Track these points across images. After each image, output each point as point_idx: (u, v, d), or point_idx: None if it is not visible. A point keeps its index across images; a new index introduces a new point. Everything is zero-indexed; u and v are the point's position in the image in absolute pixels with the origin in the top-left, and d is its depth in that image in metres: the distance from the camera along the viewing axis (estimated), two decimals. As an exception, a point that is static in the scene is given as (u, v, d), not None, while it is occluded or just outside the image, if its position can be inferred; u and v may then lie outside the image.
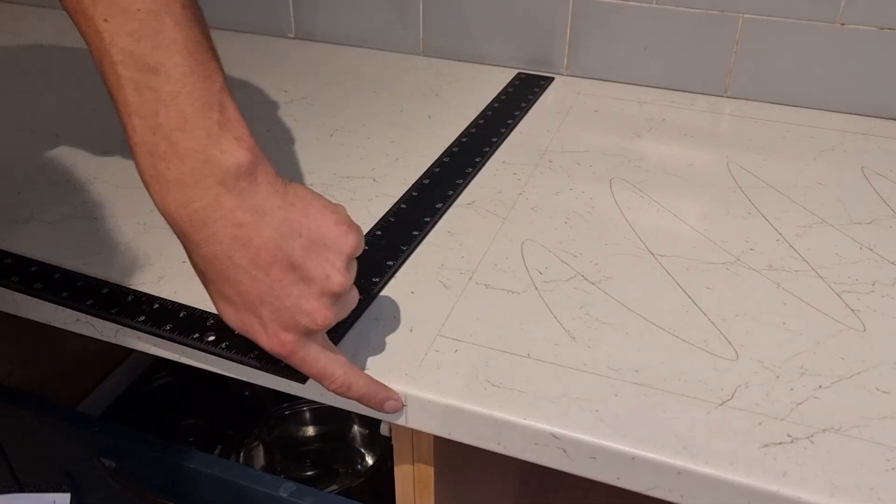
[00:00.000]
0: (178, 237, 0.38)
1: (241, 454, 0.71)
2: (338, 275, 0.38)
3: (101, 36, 0.35)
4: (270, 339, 0.39)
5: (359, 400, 0.42)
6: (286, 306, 0.38)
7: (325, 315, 0.39)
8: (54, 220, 0.57)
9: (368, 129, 0.70)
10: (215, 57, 0.37)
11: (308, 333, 0.39)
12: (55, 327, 0.51)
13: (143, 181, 0.37)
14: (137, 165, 0.36)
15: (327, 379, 0.41)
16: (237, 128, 0.37)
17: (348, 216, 0.40)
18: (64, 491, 0.66)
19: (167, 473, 0.58)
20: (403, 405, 0.43)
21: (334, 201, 0.55)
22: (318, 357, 0.40)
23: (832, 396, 0.42)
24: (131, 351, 0.78)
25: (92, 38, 0.35)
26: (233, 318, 0.40)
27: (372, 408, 0.43)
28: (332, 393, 0.42)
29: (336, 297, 0.39)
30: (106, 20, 0.35)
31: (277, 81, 0.79)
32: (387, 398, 0.43)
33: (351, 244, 0.39)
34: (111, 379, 0.76)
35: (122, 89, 0.35)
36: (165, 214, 0.37)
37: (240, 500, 0.56)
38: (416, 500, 0.52)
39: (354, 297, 0.42)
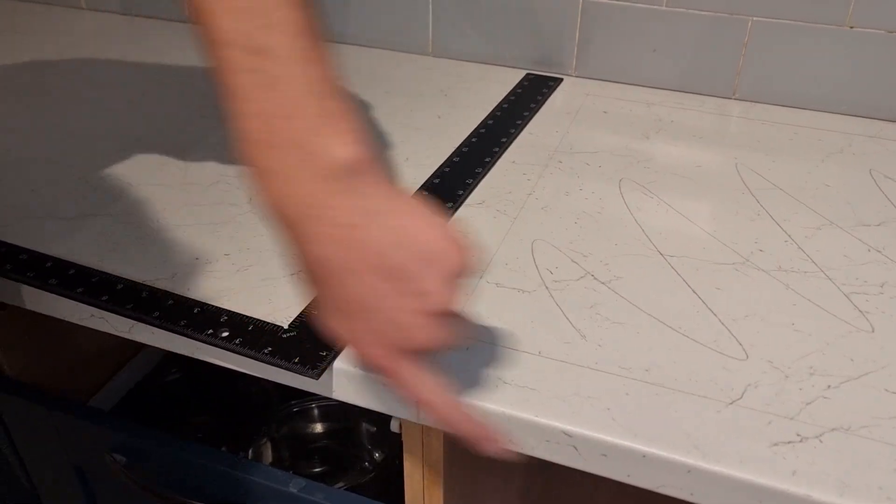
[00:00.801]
0: (280, 228, 0.36)
1: (250, 451, 0.71)
2: (440, 293, 0.35)
3: (208, 14, 0.33)
4: (363, 350, 0.37)
5: (455, 433, 0.39)
6: (380, 319, 0.36)
7: (421, 333, 0.36)
8: (69, 217, 0.57)
9: (378, 129, 0.70)
10: (324, 41, 0.34)
11: (402, 351, 0.37)
12: (67, 324, 0.52)
13: (246, 170, 0.35)
14: (241, 153, 0.34)
15: (422, 405, 0.38)
16: (345, 120, 0.34)
17: (458, 233, 0.36)
18: (74, 486, 0.67)
19: (177, 469, 0.58)
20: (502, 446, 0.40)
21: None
22: (411, 378, 0.37)
23: (841, 397, 0.42)
24: (141, 347, 0.78)
25: (199, 16, 0.33)
26: (328, 322, 0.37)
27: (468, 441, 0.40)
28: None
29: (435, 316, 0.36)
30: None
31: (288, 81, 0.79)
32: (484, 437, 0.39)
33: (458, 262, 0.36)
34: (121, 375, 0.76)
35: (226, 71, 0.33)
36: (268, 206, 0.35)
37: (250, 495, 0.56)
38: (425, 497, 0.53)
39: (454, 325, 0.38)
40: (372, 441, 0.74)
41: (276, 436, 0.72)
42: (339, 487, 0.58)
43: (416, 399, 0.38)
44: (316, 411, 0.73)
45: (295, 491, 0.55)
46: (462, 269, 0.36)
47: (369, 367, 0.37)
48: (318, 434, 0.74)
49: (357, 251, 0.34)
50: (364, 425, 0.73)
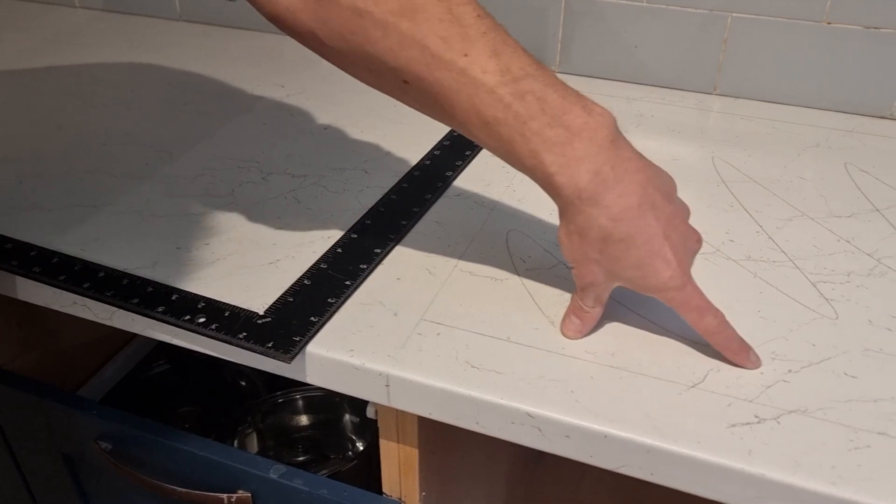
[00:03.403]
0: (575, 212, 0.41)
1: (235, 441, 0.72)
2: (684, 204, 0.44)
3: (469, 72, 0.38)
4: (675, 270, 0.41)
5: (722, 343, 0.44)
6: (680, 233, 0.42)
7: (695, 236, 0.43)
8: (54, 208, 0.58)
9: (362, 123, 0.71)
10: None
11: (689, 263, 0.43)
12: (56, 315, 0.53)
13: (549, 174, 0.40)
14: (542, 164, 0.40)
15: (711, 312, 0.43)
16: (581, 92, 0.41)
17: None
18: (62, 474, 0.68)
19: (162, 455, 0.59)
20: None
21: (327, 191, 0.57)
22: (700, 289, 0.43)
23: (801, 380, 0.43)
24: (131, 338, 0.79)
25: (455, 82, 0.39)
26: (637, 270, 0.42)
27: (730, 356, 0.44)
28: (704, 329, 0.43)
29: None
30: (466, 55, 0.38)
31: (275, 77, 0.81)
32: (745, 350, 0.44)
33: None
34: (110, 366, 0.77)
35: (508, 107, 0.39)
36: (577, 192, 0.40)
37: (232, 481, 0.57)
38: (401, 482, 0.54)
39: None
40: (355, 431, 0.75)
41: (261, 426, 0.73)
42: (321, 474, 0.59)
43: (707, 306, 0.43)
44: (300, 402, 0.74)
45: (275, 477, 0.56)
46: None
47: (677, 285, 0.42)
48: (303, 424, 0.75)
49: (652, 186, 0.41)
50: (347, 416, 0.74)
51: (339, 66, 0.43)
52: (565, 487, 0.93)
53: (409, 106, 0.43)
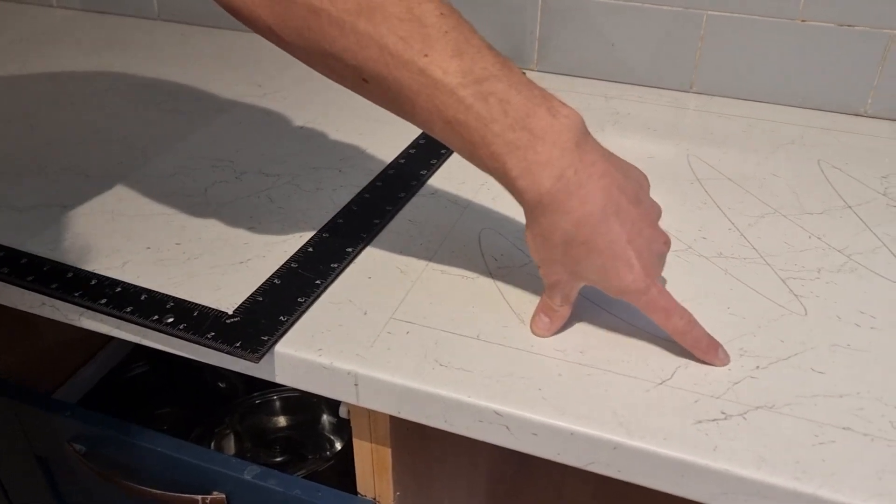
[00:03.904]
0: (538, 215, 0.41)
1: (212, 443, 0.72)
2: (655, 204, 0.44)
3: (429, 73, 0.38)
4: (638, 274, 0.41)
5: (690, 343, 0.44)
6: (645, 237, 0.41)
7: (662, 239, 0.43)
8: (24, 208, 0.58)
9: (339, 122, 0.71)
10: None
11: (661, 262, 0.43)
12: (32, 317, 0.53)
13: (511, 178, 0.40)
14: (504, 167, 0.40)
15: (677, 313, 0.43)
16: (549, 92, 0.40)
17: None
18: (37, 476, 0.67)
19: (136, 457, 0.59)
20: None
21: (301, 190, 0.57)
22: (666, 291, 0.43)
23: (768, 376, 0.43)
24: (109, 340, 0.79)
25: (415, 83, 0.38)
26: (600, 273, 0.42)
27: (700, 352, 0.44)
28: (672, 329, 0.43)
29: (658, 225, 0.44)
30: (426, 55, 0.38)
31: (253, 76, 0.80)
32: (714, 347, 0.44)
33: (646, 179, 0.44)
34: (89, 367, 0.77)
35: (470, 109, 0.38)
36: (539, 196, 0.40)
37: (206, 482, 0.57)
38: (375, 482, 0.54)
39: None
40: (333, 432, 0.74)
41: (239, 428, 0.73)
42: (297, 475, 0.59)
43: (674, 307, 0.43)
44: (278, 403, 0.74)
45: (249, 478, 0.56)
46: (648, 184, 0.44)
47: (641, 289, 0.41)
48: (280, 426, 0.75)
49: (616, 191, 0.40)
50: (325, 416, 0.74)
51: (300, 61, 0.43)
52: (547, 487, 0.93)
53: (373, 102, 0.43)
